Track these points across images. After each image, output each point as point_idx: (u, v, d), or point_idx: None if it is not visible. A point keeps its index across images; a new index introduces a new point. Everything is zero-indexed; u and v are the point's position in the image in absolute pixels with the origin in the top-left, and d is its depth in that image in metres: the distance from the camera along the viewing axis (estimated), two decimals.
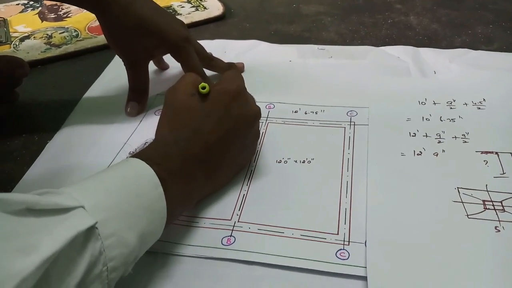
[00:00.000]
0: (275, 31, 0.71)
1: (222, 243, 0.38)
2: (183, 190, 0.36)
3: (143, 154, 0.36)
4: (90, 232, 0.28)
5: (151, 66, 0.59)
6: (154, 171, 0.34)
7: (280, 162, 0.46)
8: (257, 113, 0.43)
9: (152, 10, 0.51)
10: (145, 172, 0.34)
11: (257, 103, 0.53)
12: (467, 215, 0.38)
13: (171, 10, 0.78)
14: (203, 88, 0.41)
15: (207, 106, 0.40)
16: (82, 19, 0.76)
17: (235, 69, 0.45)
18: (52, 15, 0.79)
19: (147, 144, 0.39)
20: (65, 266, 0.26)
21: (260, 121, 0.50)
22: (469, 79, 0.55)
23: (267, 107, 0.53)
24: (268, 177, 0.44)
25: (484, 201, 0.39)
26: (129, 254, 0.30)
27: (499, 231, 0.37)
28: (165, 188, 0.34)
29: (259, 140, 0.46)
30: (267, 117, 0.52)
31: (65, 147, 0.51)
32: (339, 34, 0.68)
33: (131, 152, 0.48)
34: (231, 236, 0.39)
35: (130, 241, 0.30)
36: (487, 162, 0.43)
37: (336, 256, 0.36)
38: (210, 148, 0.39)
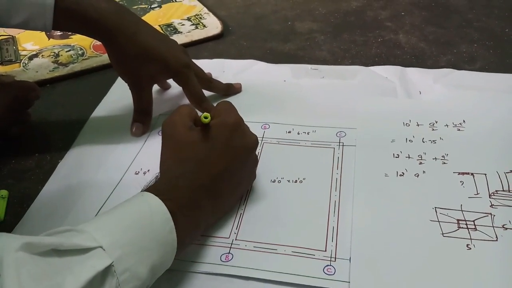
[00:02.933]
0: (270, 49, 0.75)
1: (221, 259, 0.42)
2: (192, 221, 0.40)
3: (155, 188, 0.39)
4: (107, 270, 0.31)
5: (154, 87, 0.63)
6: (166, 206, 0.37)
7: (274, 181, 0.50)
8: (255, 142, 0.46)
9: (156, 39, 0.55)
10: (158, 208, 0.37)
11: (254, 123, 0.58)
12: (442, 234, 0.42)
13: (171, 28, 0.81)
14: (205, 117, 0.43)
15: (210, 139, 0.43)
16: (87, 37, 0.80)
17: (227, 101, 0.48)
18: (58, 33, 0.82)
19: (158, 176, 0.43)
20: None
21: None
22: (451, 100, 0.59)
23: (262, 127, 0.57)
24: (263, 197, 0.48)
25: (458, 220, 0.44)
26: (140, 286, 0.34)
27: (470, 248, 0.41)
28: (175, 221, 0.37)
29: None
30: (263, 137, 0.56)
31: (75, 166, 0.55)
32: (331, 53, 0.72)
33: (141, 174, 0.52)
34: (229, 253, 0.43)
35: (142, 274, 0.34)
36: (463, 182, 0.47)
37: (324, 271, 0.41)
38: (215, 178, 0.42)
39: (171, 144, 0.44)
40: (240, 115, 0.58)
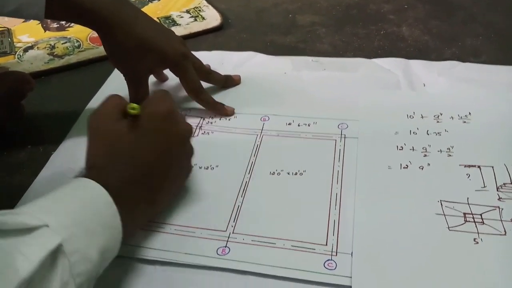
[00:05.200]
0: (271, 42, 0.73)
1: (217, 253, 0.41)
2: (126, 212, 0.36)
3: (88, 177, 0.36)
4: (57, 250, 0.29)
5: (151, 78, 0.61)
6: None
7: (273, 174, 0.48)
8: (188, 132, 0.44)
9: (153, 30, 0.53)
10: (99, 190, 0.35)
11: (253, 115, 0.56)
12: (448, 228, 0.41)
13: (170, 20, 0.80)
14: (132, 108, 0.40)
15: (139, 130, 0.41)
16: (84, 29, 0.77)
17: (162, 90, 0.46)
18: (55, 25, 0.81)
19: (81, 172, 0.39)
20: (39, 286, 0.28)
21: (255, 133, 0.53)
22: (456, 92, 0.57)
23: (262, 119, 0.56)
24: (262, 189, 0.47)
25: (465, 213, 0.42)
26: (92, 270, 0.32)
27: (477, 243, 0.39)
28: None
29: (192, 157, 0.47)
30: (262, 129, 0.54)
31: (68, 158, 0.53)
32: (333, 46, 0.71)
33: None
34: (226, 246, 0.41)
35: (92, 256, 0.32)
36: (469, 175, 0.45)
37: (324, 266, 0.39)
38: (148, 170, 0.40)
39: (98, 137, 0.41)
40: (239, 107, 0.58)
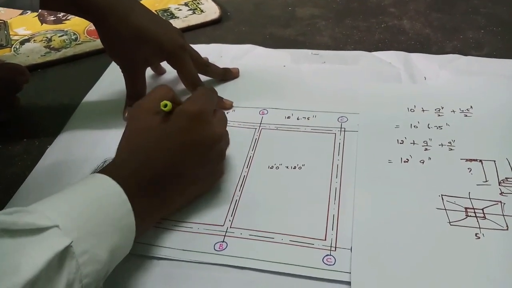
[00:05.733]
0: (270, 34, 0.72)
1: (214, 248, 0.40)
2: (140, 210, 0.36)
3: (106, 172, 0.36)
4: (65, 251, 0.29)
5: (148, 71, 0.60)
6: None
7: (272, 168, 0.48)
8: (217, 136, 0.42)
9: (149, 20, 0.52)
10: (114, 189, 0.34)
11: (251, 108, 0.56)
12: (449, 222, 0.40)
13: (168, 13, 0.79)
14: (164, 106, 0.39)
15: (166, 128, 0.39)
16: (81, 22, 0.77)
17: (205, 88, 0.44)
18: (52, 18, 0.80)
19: (106, 163, 0.38)
20: (45, 286, 0.27)
21: (253, 127, 0.53)
22: (457, 85, 0.57)
23: (260, 112, 0.55)
24: (260, 183, 0.46)
25: (466, 208, 0.41)
26: (101, 270, 0.31)
27: (479, 238, 0.39)
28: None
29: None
30: (261, 123, 0.53)
31: (64, 152, 0.52)
32: (333, 39, 0.70)
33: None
34: (223, 241, 0.41)
35: (102, 257, 0.31)
36: (471, 169, 0.45)
37: (323, 261, 0.38)
38: (164, 170, 0.38)
39: (130, 130, 0.41)
40: (237, 100, 0.57)
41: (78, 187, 0.34)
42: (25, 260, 0.26)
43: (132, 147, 0.39)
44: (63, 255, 0.28)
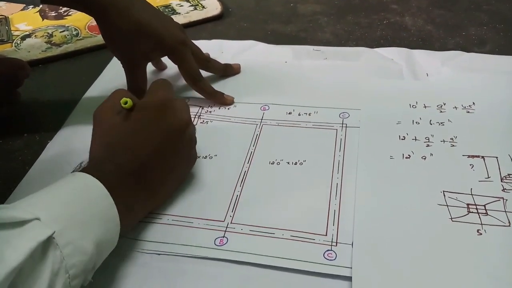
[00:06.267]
0: (271, 31, 0.72)
1: (215, 243, 0.40)
2: (124, 204, 0.36)
3: (84, 171, 0.36)
4: (48, 242, 0.29)
5: (149, 67, 0.60)
6: None
7: (273, 163, 0.47)
8: (183, 122, 0.43)
9: (150, 14, 0.52)
10: (94, 184, 0.35)
11: (252, 104, 0.55)
12: (451, 218, 0.40)
13: (169, 9, 0.79)
14: (125, 103, 0.40)
15: (132, 122, 0.40)
16: (82, 18, 0.77)
17: (160, 79, 0.46)
18: (53, 13, 0.80)
19: (83, 164, 0.40)
20: (29, 277, 0.28)
21: (254, 122, 0.52)
22: (460, 82, 0.56)
23: (262, 108, 0.55)
24: (261, 179, 0.46)
25: (468, 204, 0.41)
26: (88, 262, 0.32)
27: (481, 234, 0.38)
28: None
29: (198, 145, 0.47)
30: (262, 119, 0.53)
31: (65, 147, 0.52)
32: (335, 35, 0.69)
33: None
34: (224, 237, 0.40)
35: (87, 248, 0.32)
36: (473, 166, 0.44)
37: (324, 256, 0.38)
38: (144, 162, 0.39)
39: (98, 130, 0.42)
40: (239, 96, 0.56)
41: (59, 184, 0.35)
42: (9, 251, 0.27)
43: (106, 147, 0.40)
44: (46, 246, 0.29)
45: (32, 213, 0.30)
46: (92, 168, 0.37)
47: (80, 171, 0.37)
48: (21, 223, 0.29)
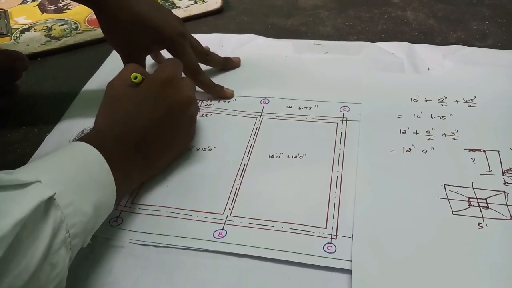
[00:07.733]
0: (272, 25, 0.72)
1: (214, 236, 0.40)
2: (122, 172, 0.38)
3: (82, 139, 0.38)
4: (49, 203, 0.30)
5: (149, 61, 0.60)
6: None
7: (272, 156, 0.47)
8: (189, 99, 0.45)
9: (149, 6, 0.52)
10: (90, 151, 0.36)
11: (252, 98, 0.55)
12: (452, 212, 0.39)
13: (170, 3, 0.78)
14: (135, 78, 0.43)
15: (139, 94, 0.43)
16: (81, 11, 0.77)
17: (173, 58, 0.49)
18: (52, 7, 0.79)
19: (85, 131, 0.42)
20: (33, 231, 0.29)
21: (254, 116, 0.52)
22: (461, 76, 0.56)
23: (262, 102, 0.54)
24: (261, 172, 0.45)
25: (469, 198, 0.41)
26: (87, 222, 0.33)
27: (482, 227, 0.38)
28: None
29: (196, 125, 0.49)
30: (262, 113, 0.53)
31: (63, 140, 0.52)
32: (336, 29, 0.69)
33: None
34: (223, 229, 0.40)
35: (86, 210, 0.33)
36: (474, 159, 0.44)
37: (323, 249, 0.38)
38: (144, 133, 0.41)
39: (105, 101, 0.44)
40: (239, 89, 0.56)
41: (58, 152, 0.36)
42: (14, 206, 0.28)
43: (109, 117, 0.42)
44: (48, 206, 0.30)
45: (33, 175, 0.31)
46: (92, 136, 0.39)
47: (80, 138, 0.38)
48: (24, 185, 0.30)
